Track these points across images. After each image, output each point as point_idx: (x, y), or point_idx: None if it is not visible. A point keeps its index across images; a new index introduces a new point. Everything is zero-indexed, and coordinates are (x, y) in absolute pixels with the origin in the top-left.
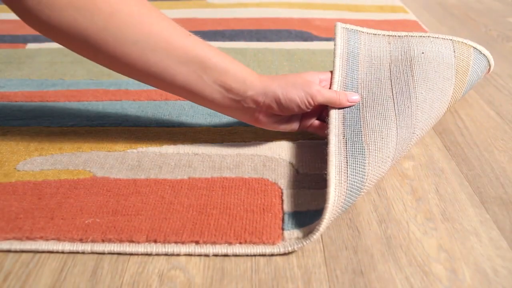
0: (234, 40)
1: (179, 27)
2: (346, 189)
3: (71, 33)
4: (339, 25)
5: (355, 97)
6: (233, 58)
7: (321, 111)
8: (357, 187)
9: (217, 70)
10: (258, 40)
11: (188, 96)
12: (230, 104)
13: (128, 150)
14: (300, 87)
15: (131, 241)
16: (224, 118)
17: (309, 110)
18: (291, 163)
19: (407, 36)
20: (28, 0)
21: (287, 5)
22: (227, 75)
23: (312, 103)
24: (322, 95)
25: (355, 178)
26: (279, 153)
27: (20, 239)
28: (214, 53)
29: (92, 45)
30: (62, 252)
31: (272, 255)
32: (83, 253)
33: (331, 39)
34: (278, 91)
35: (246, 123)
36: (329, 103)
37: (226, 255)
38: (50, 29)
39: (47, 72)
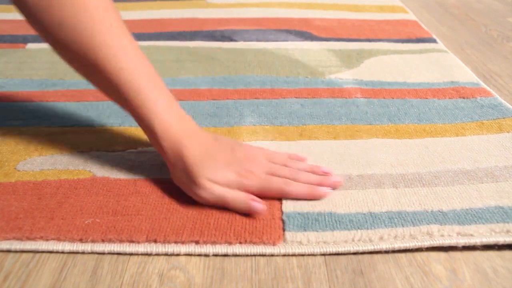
0: (234, 40)
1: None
2: None
3: (39, 27)
4: None
5: None
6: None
7: None
8: None
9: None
10: (258, 40)
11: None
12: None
13: (128, 150)
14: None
15: (131, 241)
16: (224, 118)
17: None
18: None
19: None
20: None
21: (287, 5)
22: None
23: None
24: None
25: None
26: None
27: (20, 239)
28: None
29: (51, 39)
30: (62, 252)
31: (272, 255)
32: (83, 253)
33: (331, 39)
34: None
35: (248, 123)
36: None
37: (226, 255)
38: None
39: (47, 72)
